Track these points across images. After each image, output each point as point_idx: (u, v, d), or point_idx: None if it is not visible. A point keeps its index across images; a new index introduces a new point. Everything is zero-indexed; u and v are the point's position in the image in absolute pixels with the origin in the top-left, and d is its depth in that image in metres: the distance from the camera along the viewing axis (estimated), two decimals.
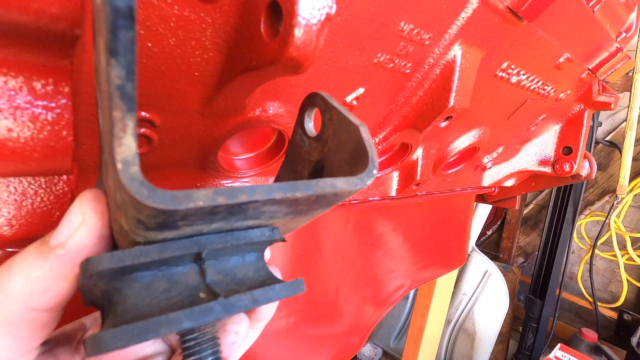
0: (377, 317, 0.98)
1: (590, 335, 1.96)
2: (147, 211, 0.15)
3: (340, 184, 0.20)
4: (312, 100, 0.27)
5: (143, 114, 0.30)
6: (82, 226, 0.20)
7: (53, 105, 0.20)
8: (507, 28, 0.44)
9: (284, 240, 0.25)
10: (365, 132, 0.22)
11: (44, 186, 0.27)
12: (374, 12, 0.33)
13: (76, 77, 0.20)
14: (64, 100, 0.20)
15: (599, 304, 2.16)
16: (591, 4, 0.54)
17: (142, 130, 0.31)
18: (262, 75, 0.27)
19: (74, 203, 0.20)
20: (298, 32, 0.22)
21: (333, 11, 0.23)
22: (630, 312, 2.09)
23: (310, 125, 0.27)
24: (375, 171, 0.21)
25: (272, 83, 0.33)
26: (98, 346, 0.17)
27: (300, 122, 0.28)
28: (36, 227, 0.27)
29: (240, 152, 0.43)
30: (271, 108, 0.36)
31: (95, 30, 0.16)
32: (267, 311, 0.29)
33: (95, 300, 0.22)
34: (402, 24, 0.36)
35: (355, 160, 0.22)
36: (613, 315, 2.19)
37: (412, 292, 1.96)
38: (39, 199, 0.27)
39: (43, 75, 0.19)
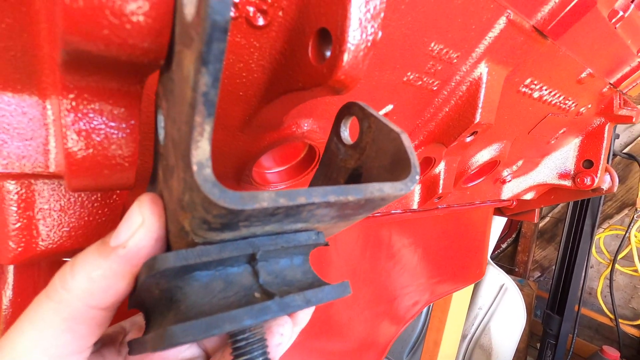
0: (393, 333, 0.98)
1: (612, 353, 1.90)
2: (216, 211, 0.16)
3: (387, 188, 0.21)
4: (349, 109, 0.28)
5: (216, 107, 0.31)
6: (141, 227, 0.21)
7: (124, 126, 0.21)
8: (532, 46, 0.45)
9: (327, 245, 0.27)
10: (406, 139, 0.23)
11: (99, 199, 0.29)
12: (407, 33, 0.34)
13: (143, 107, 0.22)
14: (133, 122, 0.22)
15: (620, 320, 2.09)
16: (613, 20, 0.55)
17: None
18: (304, 96, 0.28)
19: (133, 205, 0.21)
20: (347, 57, 0.23)
21: (379, 37, 0.24)
22: None
23: (347, 134, 0.29)
24: (417, 177, 0.22)
25: (308, 101, 0.35)
26: (169, 339, 0.18)
27: (336, 131, 0.29)
28: (91, 238, 0.29)
29: (272, 165, 0.45)
30: (306, 125, 0.38)
31: (180, 42, 0.17)
32: (306, 315, 0.30)
33: (149, 300, 0.23)
34: (432, 44, 0.37)
35: (395, 167, 0.23)
36: (635, 332, 2.12)
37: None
38: (95, 211, 0.28)
39: (118, 99, 0.21)
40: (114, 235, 0.21)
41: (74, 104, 0.19)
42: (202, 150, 0.16)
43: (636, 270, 2.03)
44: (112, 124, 0.21)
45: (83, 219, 0.28)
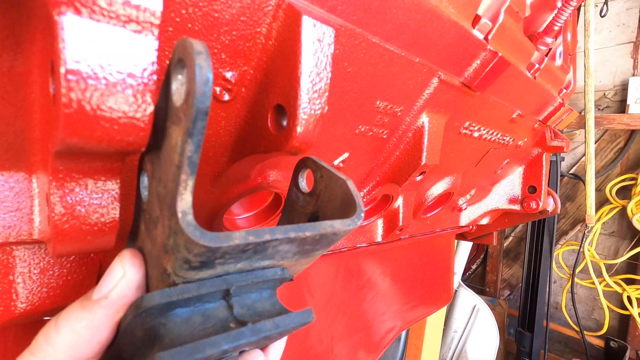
0: None
1: None
2: (197, 249, 0.20)
3: (337, 224, 0.25)
4: (304, 163, 0.33)
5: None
6: (123, 278, 0.24)
7: (106, 196, 0.24)
8: (464, 97, 0.52)
9: (292, 280, 0.30)
10: (351, 185, 0.28)
11: (78, 258, 0.31)
12: (354, 96, 0.40)
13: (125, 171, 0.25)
14: (114, 192, 0.25)
15: (585, 332, 2.19)
16: (532, 71, 0.64)
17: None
18: (266, 157, 0.33)
19: (115, 261, 0.24)
20: (299, 129, 0.28)
21: (325, 110, 0.29)
22: (616, 340, 2.13)
23: (304, 184, 0.33)
24: (362, 214, 0.27)
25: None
26: None
27: (295, 182, 0.34)
28: (69, 296, 0.30)
29: (242, 212, 0.48)
30: (271, 176, 0.42)
31: (170, 120, 0.21)
32: (277, 350, 0.33)
33: (129, 348, 0.25)
34: (377, 102, 0.43)
35: (345, 208, 0.28)
36: (600, 343, 2.23)
37: (404, 334, 1.95)
38: (73, 270, 0.30)
39: (101, 174, 0.24)
40: (96, 289, 0.24)
41: (62, 182, 0.22)
42: (185, 202, 0.20)
43: (593, 283, 2.17)
44: (95, 195, 0.24)
45: (62, 278, 0.30)
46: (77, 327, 0.23)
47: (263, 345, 0.29)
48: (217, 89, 0.30)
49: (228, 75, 0.30)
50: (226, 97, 0.31)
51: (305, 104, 0.27)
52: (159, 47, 0.22)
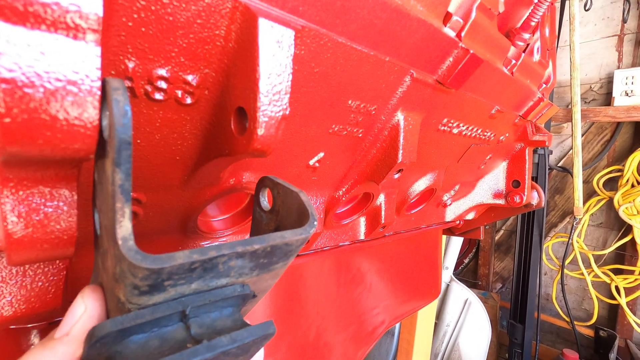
0: (360, 356, 1.00)
1: (572, 355, 2.01)
2: (141, 273, 0.20)
3: (287, 234, 0.26)
4: (262, 183, 0.34)
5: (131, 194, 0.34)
6: (84, 314, 0.24)
7: (62, 204, 0.24)
8: (439, 95, 0.53)
9: (254, 296, 0.30)
10: (303, 196, 0.29)
11: (42, 266, 0.30)
12: (324, 96, 0.40)
13: (81, 180, 0.25)
14: (70, 199, 0.25)
15: (575, 323, 2.22)
16: (509, 67, 0.65)
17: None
18: (233, 159, 0.33)
19: (77, 298, 0.25)
20: (261, 131, 0.28)
21: (287, 112, 0.29)
22: (605, 329, 2.16)
23: (265, 202, 0.34)
24: (316, 222, 0.27)
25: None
26: None
27: (257, 202, 0.35)
28: (34, 304, 0.30)
29: (218, 214, 0.48)
30: (244, 177, 0.42)
31: (100, 153, 0.22)
32: None
33: None
34: (349, 101, 0.43)
35: (301, 219, 0.28)
36: (590, 333, 2.26)
37: (397, 329, 1.96)
38: (38, 279, 0.30)
39: (56, 182, 0.24)
40: (58, 328, 0.24)
41: (13, 191, 0.22)
42: (125, 228, 0.20)
43: (582, 274, 2.20)
44: (50, 203, 0.24)
45: (25, 287, 0.29)
46: None
47: None
48: (179, 92, 0.30)
49: (189, 78, 0.29)
50: (188, 101, 0.30)
51: (265, 106, 0.27)
52: (105, 53, 0.22)
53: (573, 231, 2.12)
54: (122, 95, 0.20)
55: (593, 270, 2.16)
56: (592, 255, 2.17)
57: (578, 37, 1.97)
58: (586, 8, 2.12)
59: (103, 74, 0.25)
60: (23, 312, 0.29)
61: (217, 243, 0.22)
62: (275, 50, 0.27)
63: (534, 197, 1.03)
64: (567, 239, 2.16)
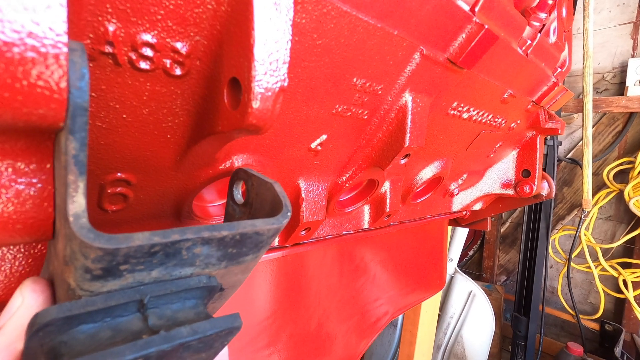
0: (363, 347, 0.98)
1: (576, 349, 1.99)
2: (93, 253, 0.18)
3: (259, 223, 0.24)
4: (237, 175, 0.32)
5: (119, 174, 0.32)
6: (21, 307, 0.22)
7: (35, 180, 0.22)
8: (450, 75, 0.50)
9: (222, 289, 0.28)
10: (278, 186, 0.27)
11: (22, 250, 0.28)
12: (327, 72, 0.37)
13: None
14: (44, 176, 0.22)
15: (581, 316, 2.20)
16: (524, 48, 0.61)
17: (119, 189, 0.33)
18: (227, 137, 0.30)
19: (16, 291, 0.23)
20: (255, 104, 0.25)
21: (286, 84, 0.26)
22: (611, 323, 2.14)
23: (239, 196, 0.33)
24: (289, 213, 0.26)
25: (241, 138, 0.37)
26: None
27: (230, 195, 0.33)
28: (13, 290, 0.28)
29: (215, 198, 0.46)
30: (240, 159, 0.39)
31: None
32: None
33: None
34: (354, 79, 0.40)
35: (274, 210, 0.27)
36: (595, 326, 2.24)
37: (400, 320, 1.95)
38: (18, 263, 0.28)
39: (27, 156, 0.21)
40: None
41: None
42: (77, 204, 0.18)
43: (589, 267, 2.17)
44: (22, 179, 0.22)
45: (4, 272, 0.27)
46: None
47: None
48: (167, 61, 0.27)
49: (178, 46, 0.27)
50: (178, 72, 0.28)
51: (261, 76, 0.25)
52: (80, 12, 0.20)
53: (581, 224, 2.08)
54: (80, 57, 0.18)
55: (600, 264, 2.13)
56: (600, 248, 2.14)
57: (592, 24, 1.90)
58: None
59: (79, 37, 0.23)
60: (1, 298, 0.28)
61: (180, 227, 0.20)
62: (272, 13, 0.25)
63: (544, 187, 1.00)
64: (575, 232, 2.12)
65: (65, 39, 0.17)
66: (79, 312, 0.21)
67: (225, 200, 0.47)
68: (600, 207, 2.25)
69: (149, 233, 0.20)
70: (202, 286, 0.26)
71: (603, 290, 2.15)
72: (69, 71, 0.17)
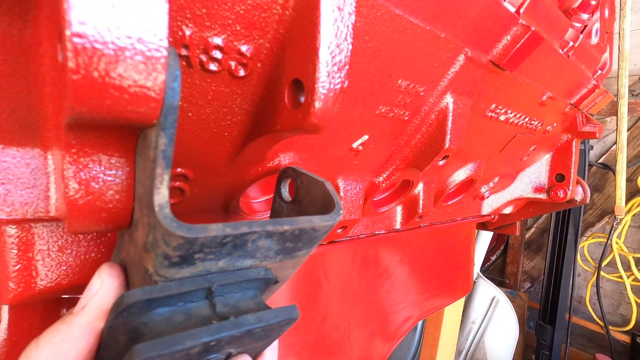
0: (386, 350, 0.98)
1: None
2: (175, 241, 0.20)
3: (316, 219, 0.26)
4: (285, 173, 0.34)
5: (179, 170, 0.34)
6: (100, 289, 0.24)
7: (120, 173, 0.24)
8: (492, 77, 0.49)
9: (276, 282, 0.30)
10: (329, 185, 0.29)
11: (95, 237, 0.31)
12: (375, 74, 0.38)
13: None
14: (128, 168, 0.24)
15: (610, 327, 2.12)
16: (565, 50, 0.60)
17: (177, 183, 0.35)
18: (283, 136, 0.31)
19: (94, 275, 0.25)
20: (318, 104, 0.26)
21: (345, 85, 0.27)
22: None
23: (287, 193, 0.34)
24: (341, 211, 0.27)
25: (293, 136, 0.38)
26: (136, 356, 0.20)
27: (278, 193, 0.34)
28: (87, 275, 0.30)
29: (258, 195, 0.47)
30: (287, 158, 0.41)
31: None
32: (271, 354, 0.32)
33: (113, 354, 0.25)
34: (399, 81, 0.41)
35: (325, 208, 0.28)
36: (626, 339, 2.15)
37: (420, 322, 1.93)
38: (92, 249, 0.30)
39: (115, 150, 0.23)
40: (76, 305, 0.24)
41: (75, 157, 0.22)
42: (162, 195, 0.20)
43: (621, 277, 2.08)
44: (109, 172, 0.23)
45: (80, 257, 0.30)
46: (55, 341, 0.23)
47: (251, 349, 0.29)
48: (232, 63, 0.29)
49: (243, 48, 0.28)
50: (241, 73, 0.29)
51: (325, 77, 0.26)
52: (171, 13, 0.21)
53: (613, 232, 2.00)
54: (174, 60, 0.20)
55: (633, 274, 2.04)
56: (633, 257, 2.05)
57: (629, 25, 1.83)
58: None
59: None
60: (78, 281, 0.30)
61: (248, 221, 0.22)
62: (336, 18, 0.26)
63: (579, 192, 0.97)
64: (606, 240, 2.04)
65: (166, 43, 0.18)
66: (158, 295, 0.23)
67: (267, 197, 0.48)
68: (634, 215, 2.16)
69: (222, 225, 0.21)
70: (261, 278, 0.27)
71: (635, 301, 2.06)
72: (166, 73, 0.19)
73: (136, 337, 0.23)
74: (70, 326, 0.23)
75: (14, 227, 0.27)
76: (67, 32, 0.15)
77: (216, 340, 0.23)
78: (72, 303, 0.39)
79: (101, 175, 0.23)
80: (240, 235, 0.22)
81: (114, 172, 0.24)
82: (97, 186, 0.23)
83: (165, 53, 0.18)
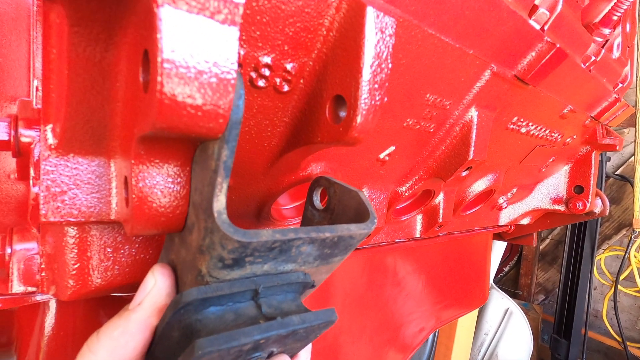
0: None
1: None
2: (231, 245, 0.22)
3: (353, 228, 0.27)
4: (317, 182, 0.35)
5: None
6: (154, 287, 0.26)
7: (179, 180, 0.26)
8: (516, 91, 0.51)
9: (314, 286, 0.32)
10: (362, 195, 0.30)
11: (146, 239, 0.33)
12: (405, 88, 0.40)
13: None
14: (185, 176, 0.26)
15: (628, 343, 2.06)
16: (587, 64, 0.61)
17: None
18: (320, 147, 0.33)
19: (147, 274, 0.27)
20: (359, 119, 0.28)
21: (385, 100, 0.29)
22: None
23: (318, 202, 0.36)
24: (375, 220, 0.29)
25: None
26: (198, 349, 0.22)
27: (310, 201, 0.36)
28: (138, 274, 0.33)
29: (288, 202, 0.49)
30: (319, 167, 0.42)
31: None
32: (305, 356, 0.33)
33: (167, 348, 0.26)
34: (427, 95, 0.43)
35: (359, 217, 0.30)
36: None
37: (432, 333, 1.92)
38: (142, 250, 0.32)
39: (176, 160, 0.25)
40: (132, 301, 0.26)
41: (142, 166, 0.24)
42: (220, 202, 0.22)
43: (639, 291, 2.03)
44: (170, 179, 0.25)
45: (132, 257, 0.32)
46: (115, 334, 0.25)
47: (290, 349, 0.30)
48: (278, 80, 0.31)
49: (289, 66, 0.30)
50: (286, 89, 0.31)
51: (366, 94, 0.28)
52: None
53: (631, 245, 1.96)
54: (239, 80, 0.22)
55: None
56: None
57: None
58: None
59: None
60: (129, 280, 0.32)
61: (292, 227, 0.24)
62: (379, 40, 0.27)
63: (598, 204, 0.97)
64: (624, 253, 2.00)
65: (236, 66, 0.20)
66: (212, 295, 0.25)
67: (296, 204, 0.50)
68: None
69: (272, 230, 0.23)
70: (300, 281, 0.29)
71: None
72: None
73: (191, 333, 0.25)
74: (128, 321, 0.26)
75: (75, 228, 0.29)
76: (159, 59, 0.18)
77: (265, 338, 0.25)
78: (110, 303, 0.41)
79: (163, 182, 0.25)
80: (288, 240, 0.24)
81: (173, 179, 0.26)
82: (159, 193, 0.25)
83: (235, 75, 0.20)
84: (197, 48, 0.19)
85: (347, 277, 0.77)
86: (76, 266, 0.30)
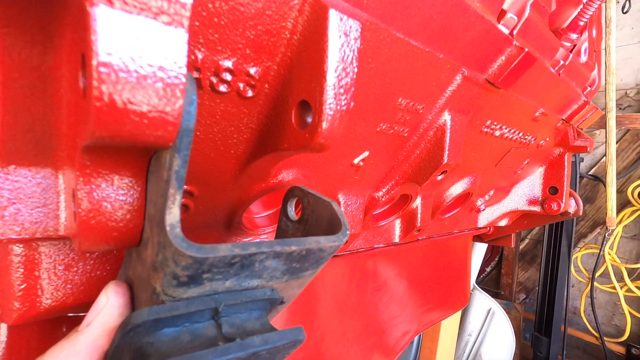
0: None
1: None
2: (184, 261, 0.20)
3: (323, 240, 0.26)
4: (292, 192, 0.34)
5: (185, 187, 0.34)
6: (106, 307, 0.24)
7: (131, 192, 0.24)
8: (488, 95, 0.51)
9: (282, 302, 0.30)
10: (336, 206, 0.29)
11: (102, 255, 0.31)
12: (376, 93, 0.39)
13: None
14: (139, 188, 0.25)
15: (605, 338, 2.12)
16: (556, 68, 0.62)
17: (182, 200, 0.35)
18: (288, 154, 0.32)
19: (101, 292, 0.25)
20: (325, 125, 0.27)
21: (351, 106, 0.28)
22: (638, 347, 2.06)
23: (292, 212, 0.34)
24: (348, 232, 0.27)
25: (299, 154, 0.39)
26: None
27: (284, 212, 0.35)
28: (93, 293, 0.30)
29: (260, 210, 0.48)
30: (290, 174, 0.41)
31: None
32: None
33: None
34: (399, 100, 0.42)
35: (332, 228, 0.28)
36: (621, 350, 2.16)
37: (416, 336, 1.92)
38: (97, 267, 0.30)
39: (127, 171, 0.24)
40: (82, 322, 0.24)
41: (89, 178, 0.22)
42: (173, 215, 0.20)
43: (614, 287, 2.10)
44: (121, 192, 0.24)
45: (86, 274, 0.30)
46: (60, 357, 0.23)
47: None
48: (241, 85, 0.29)
49: (252, 71, 0.29)
50: (249, 94, 0.30)
51: (332, 99, 0.27)
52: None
53: (605, 243, 2.03)
54: (191, 85, 0.21)
55: (626, 284, 2.06)
56: (625, 268, 2.07)
57: (614, 41, 1.90)
58: (624, 11, 2.04)
59: None
60: (83, 299, 0.30)
61: (257, 240, 0.22)
62: (343, 43, 0.27)
63: (572, 205, 0.99)
64: (598, 251, 2.07)
65: (185, 70, 0.19)
66: (166, 315, 0.23)
67: (269, 212, 0.49)
68: (625, 226, 2.19)
69: (231, 245, 0.22)
70: (267, 298, 0.28)
71: (629, 312, 2.08)
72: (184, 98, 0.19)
73: (142, 357, 0.23)
74: (74, 343, 0.23)
75: (21, 246, 0.27)
76: (94, 62, 0.16)
77: None
78: (72, 322, 0.38)
79: (113, 195, 0.23)
80: (249, 255, 0.23)
81: (125, 191, 0.24)
82: (109, 206, 0.23)
83: (184, 80, 0.19)
84: (139, 51, 0.17)
85: (328, 283, 0.76)
86: (22, 287, 0.28)
